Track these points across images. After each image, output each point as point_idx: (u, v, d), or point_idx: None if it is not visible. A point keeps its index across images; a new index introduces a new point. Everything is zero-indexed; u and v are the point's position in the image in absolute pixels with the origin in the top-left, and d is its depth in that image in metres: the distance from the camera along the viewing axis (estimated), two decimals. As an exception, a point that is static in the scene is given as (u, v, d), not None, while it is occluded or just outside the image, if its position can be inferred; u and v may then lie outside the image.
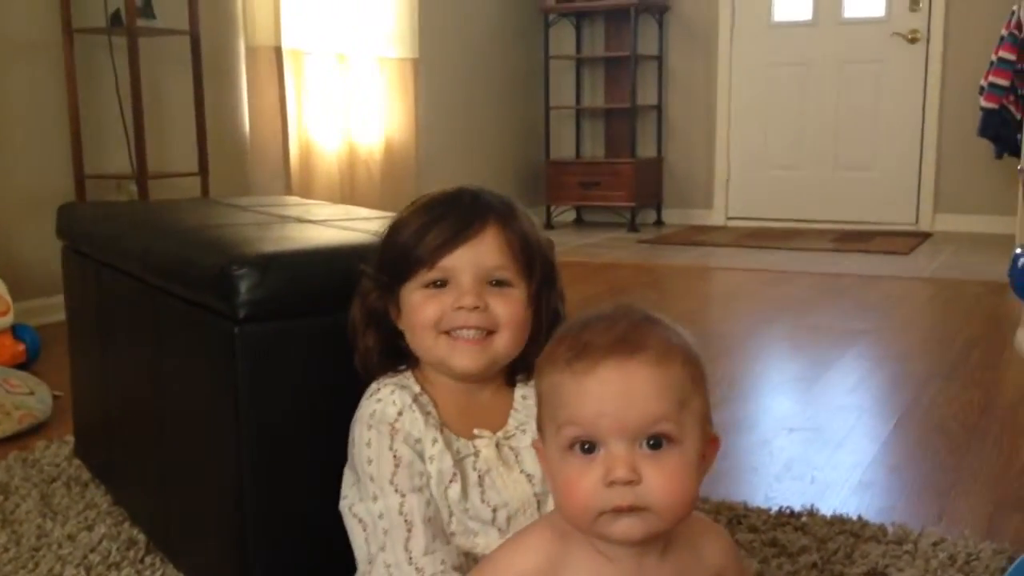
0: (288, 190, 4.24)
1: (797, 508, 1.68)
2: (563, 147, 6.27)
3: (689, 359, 0.81)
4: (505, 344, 1.02)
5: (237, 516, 1.21)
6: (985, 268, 4.22)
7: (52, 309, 2.83)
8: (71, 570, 1.46)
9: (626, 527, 0.78)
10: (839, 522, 1.62)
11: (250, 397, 1.18)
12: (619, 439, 0.77)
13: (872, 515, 1.65)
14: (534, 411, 1.02)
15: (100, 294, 1.69)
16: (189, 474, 1.38)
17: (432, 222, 1.01)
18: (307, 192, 4.27)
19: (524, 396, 1.07)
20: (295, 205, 1.82)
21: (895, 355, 2.89)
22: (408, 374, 1.07)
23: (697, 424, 0.80)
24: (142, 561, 1.50)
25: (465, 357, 1.00)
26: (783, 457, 2.01)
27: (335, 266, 1.25)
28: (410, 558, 0.96)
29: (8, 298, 2.76)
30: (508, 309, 1.01)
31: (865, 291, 3.88)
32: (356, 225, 1.47)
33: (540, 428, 0.86)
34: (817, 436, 2.14)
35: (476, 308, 0.99)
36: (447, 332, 1.01)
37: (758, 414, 2.34)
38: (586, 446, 0.79)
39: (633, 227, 5.80)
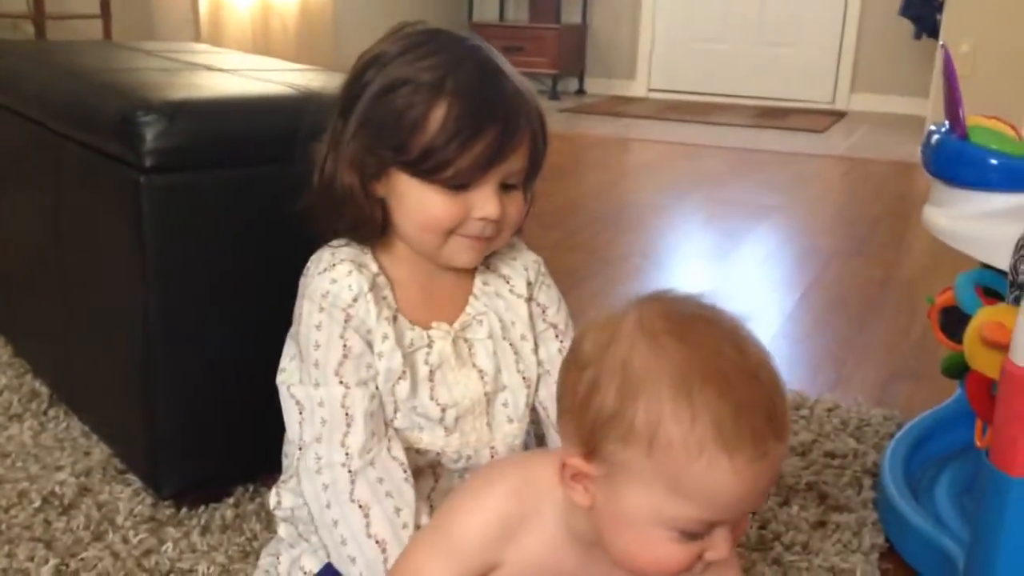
0: (197, 39, 4.05)
1: (703, 374, 1.73)
2: (486, 9, 6.10)
3: None
4: (503, 240, 1.00)
5: (144, 372, 1.19)
6: (897, 148, 4.31)
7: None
8: (-29, 421, 1.43)
9: None
10: (742, 388, 1.67)
11: (157, 250, 1.14)
12: (730, 522, 0.72)
13: (773, 382, 1.71)
14: (494, 300, 1.01)
15: (-5, 138, 1.60)
16: (94, 327, 1.34)
17: (473, 136, 0.90)
18: (217, 43, 4.09)
19: (485, 282, 1.03)
20: (204, 52, 1.74)
21: (805, 231, 2.96)
22: (367, 250, 0.99)
23: None
24: (45, 413, 1.47)
25: (469, 254, 0.97)
26: (692, 326, 2.05)
27: (248, 117, 1.21)
28: (346, 454, 0.93)
29: None
30: (514, 211, 0.97)
31: (780, 167, 3.93)
32: (271, 76, 1.41)
33: (588, 446, 0.74)
34: (726, 307, 2.18)
35: (496, 221, 0.95)
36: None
37: (669, 285, 2.38)
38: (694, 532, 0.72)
39: (555, 95, 5.73)
